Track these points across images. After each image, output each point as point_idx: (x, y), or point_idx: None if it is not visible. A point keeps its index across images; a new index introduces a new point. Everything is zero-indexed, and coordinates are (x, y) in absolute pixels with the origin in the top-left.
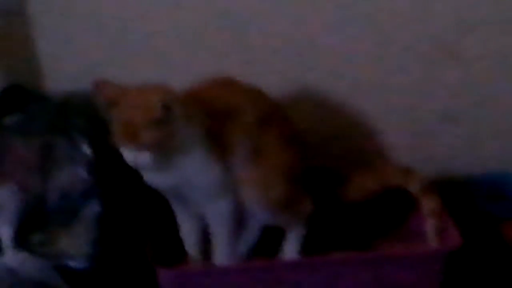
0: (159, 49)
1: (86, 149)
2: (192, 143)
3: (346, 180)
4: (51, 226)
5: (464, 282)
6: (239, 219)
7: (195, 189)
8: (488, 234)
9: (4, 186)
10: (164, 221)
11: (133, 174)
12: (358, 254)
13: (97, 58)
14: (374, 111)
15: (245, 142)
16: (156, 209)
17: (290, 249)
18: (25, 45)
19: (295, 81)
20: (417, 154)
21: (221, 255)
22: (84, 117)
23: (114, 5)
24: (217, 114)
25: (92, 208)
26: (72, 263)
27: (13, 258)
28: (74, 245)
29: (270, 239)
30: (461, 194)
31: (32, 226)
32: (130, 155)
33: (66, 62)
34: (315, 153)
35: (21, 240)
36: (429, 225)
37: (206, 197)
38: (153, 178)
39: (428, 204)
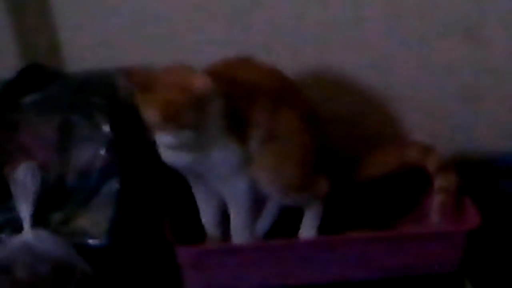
0: (178, 29)
1: (105, 128)
2: (212, 123)
3: (366, 156)
4: (70, 204)
5: (484, 262)
6: (257, 199)
7: (213, 168)
8: (508, 214)
9: (23, 164)
10: (182, 199)
11: (152, 152)
12: (376, 233)
13: (116, 37)
14: (393, 91)
15: (262, 121)
16: (175, 187)
17: (307, 228)
18: (44, 23)
19: (311, 61)
20: (437, 134)
21: (239, 234)
22: (103, 95)
23: None
24: (234, 94)
25: (111, 187)
26: (91, 241)
27: (32, 236)
28: (93, 223)
29: (290, 218)
30: (481, 173)
31: (51, 204)
32: (167, 137)
33: (86, 41)
34: (332, 135)
35: (40, 219)
36: (435, 201)
37: (224, 176)
38: (172, 157)
39: (441, 181)
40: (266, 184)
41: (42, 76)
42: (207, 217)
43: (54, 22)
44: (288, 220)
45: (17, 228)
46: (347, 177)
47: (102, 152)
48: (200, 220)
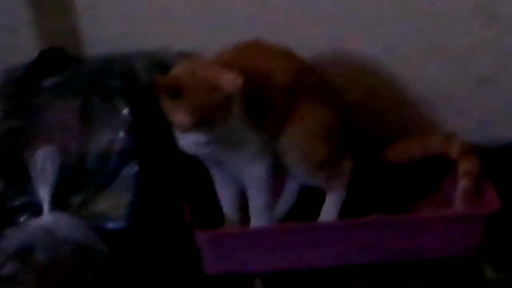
0: (198, 12)
1: (125, 111)
2: (233, 113)
3: (390, 143)
4: (90, 187)
5: (503, 245)
6: (275, 182)
7: (234, 154)
8: None
9: (43, 148)
10: (201, 182)
11: (171, 136)
12: (395, 216)
13: (135, 21)
14: (411, 76)
15: (280, 104)
16: (194, 170)
17: (328, 212)
18: (64, 7)
19: (329, 46)
20: (455, 119)
21: (257, 217)
22: (123, 79)
23: None
24: (249, 79)
25: (131, 169)
26: (110, 224)
27: (51, 219)
28: (112, 206)
29: (310, 202)
30: (500, 158)
31: (70, 187)
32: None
33: (105, 24)
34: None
35: (59, 202)
36: (460, 186)
37: (242, 161)
38: (193, 147)
39: (465, 166)
40: (291, 164)
41: (61, 60)
42: (225, 200)
43: (73, 5)
44: (309, 204)
45: (37, 211)
46: (372, 158)
47: (121, 135)
48: (218, 203)
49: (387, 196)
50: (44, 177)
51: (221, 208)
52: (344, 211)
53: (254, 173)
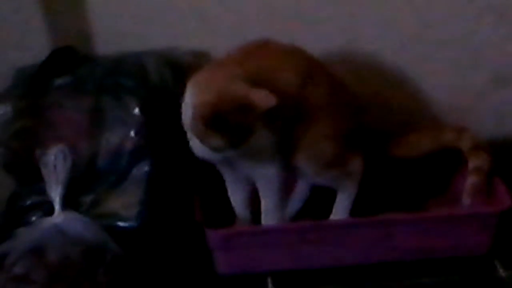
0: (205, 11)
1: (136, 110)
2: None
3: (401, 137)
4: (101, 187)
5: None
6: (287, 181)
7: (244, 155)
8: None
9: (54, 147)
10: (213, 181)
11: (182, 135)
12: (406, 215)
13: (146, 20)
14: (424, 73)
15: (290, 103)
16: (205, 169)
17: (339, 210)
18: (75, 6)
19: (339, 42)
20: (467, 117)
21: (269, 216)
22: (134, 78)
23: None
24: (259, 79)
25: (142, 169)
26: (121, 223)
27: (63, 218)
28: (124, 205)
29: (322, 201)
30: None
31: (82, 187)
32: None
33: (117, 24)
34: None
35: (71, 201)
36: (468, 182)
37: (254, 162)
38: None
39: (474, 161)
40: (301, 162)
41: (73, 59)
42: (236, 199)
43: (85, 4)
44: (320, 203)
45: (48, 210)
46: (381, 153)
47: (133, 134)
48: (230, 202)
49: (398, 193)
50: (56, 176)
51: (232, 207)
52: (355, 208)
53: (266, 173)
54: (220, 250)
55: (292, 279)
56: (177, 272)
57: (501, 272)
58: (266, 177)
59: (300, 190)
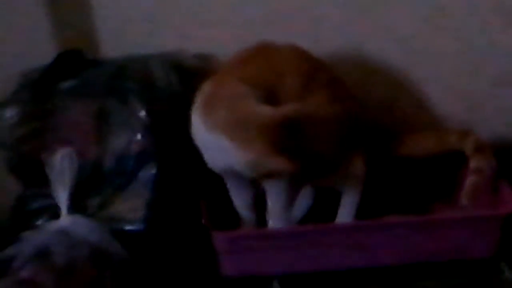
0: (212, 13)
1: (142, 113)
2: None
3: (405, 138)
4: (107, 190)
5: None
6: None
7: None
8: None
9: (60, 150)
10: (218, 184)
11: (188, 137)
12: (411, 218)
13: (152, 23)
14: (428, 76)
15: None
16: (211, 172)
17: (345, 213)
18: (81, 9)
19: (346, 47)
20: (471, 119)
21: (275, 219)
22: (139, 81)
23: None
24: (261, 83)
25: (148, 172)
26: (128, 226)
27: (69, 221)
28: (130, 208)
29: (327, 204)
30: None
31: (88, 190)
32: None
33: (123, 27)
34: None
35: (77, 204)
36: (467, 183)
37: None
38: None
39: (475, 163)
40: None
41: (78, 62)
42: (241, 203)
43: (91, 8)
44: (326, 206)
45: (55, 214)
46: (385, 152)
47: (139, 137)
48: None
49: (403, 195)
50: (62, 179)
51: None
52: (360, 210)
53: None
54: (226, 253)
55: (298, 282)
56: (183, 274)
57: (508, 274)
58: (273, 180)
59: (306, 193)
